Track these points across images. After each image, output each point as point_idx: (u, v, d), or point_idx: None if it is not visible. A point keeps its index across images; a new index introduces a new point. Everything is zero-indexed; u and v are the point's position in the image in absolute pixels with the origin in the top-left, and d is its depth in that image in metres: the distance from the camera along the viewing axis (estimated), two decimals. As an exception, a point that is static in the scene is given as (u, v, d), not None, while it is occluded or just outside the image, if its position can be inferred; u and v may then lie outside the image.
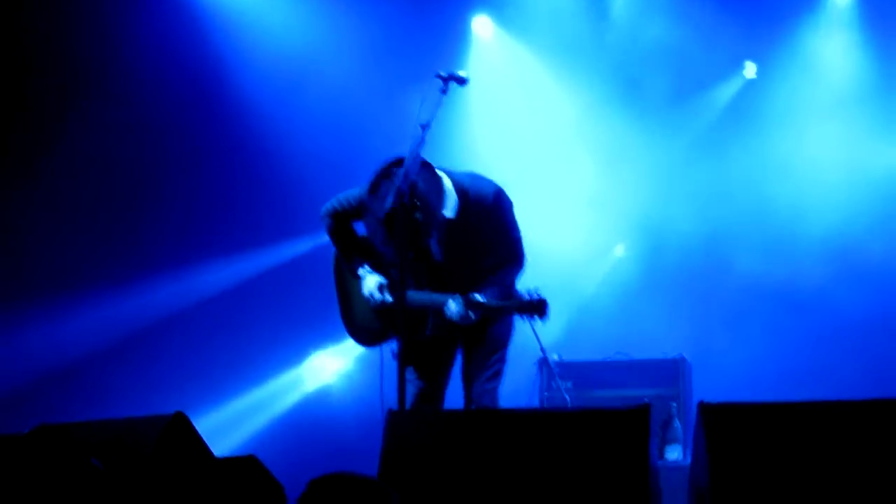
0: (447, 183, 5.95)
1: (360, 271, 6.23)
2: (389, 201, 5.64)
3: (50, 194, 9.19)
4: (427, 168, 5.87)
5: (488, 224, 6.01)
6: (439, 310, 5.91)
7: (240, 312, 9.58)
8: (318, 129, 9.04)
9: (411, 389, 6.01)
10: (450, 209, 5.95)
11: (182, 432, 4.97)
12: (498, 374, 6.20)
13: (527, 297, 5.77)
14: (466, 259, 6.04)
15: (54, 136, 9.07)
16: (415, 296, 5.84)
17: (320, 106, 9.34)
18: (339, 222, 6.30)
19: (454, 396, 6.32)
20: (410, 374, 6.12)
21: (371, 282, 6.20)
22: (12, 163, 8.97)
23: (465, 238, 6.01)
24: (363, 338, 6.40)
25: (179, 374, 9.11)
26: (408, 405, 5.58)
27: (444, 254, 6.01)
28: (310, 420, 9.54)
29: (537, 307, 5.77)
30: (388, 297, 6.14)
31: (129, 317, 9.26)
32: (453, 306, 5.84)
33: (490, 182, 6.11)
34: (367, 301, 6.23)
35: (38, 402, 8.58)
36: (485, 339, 6.15)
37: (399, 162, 5.79)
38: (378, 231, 6.04)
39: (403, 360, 5.60)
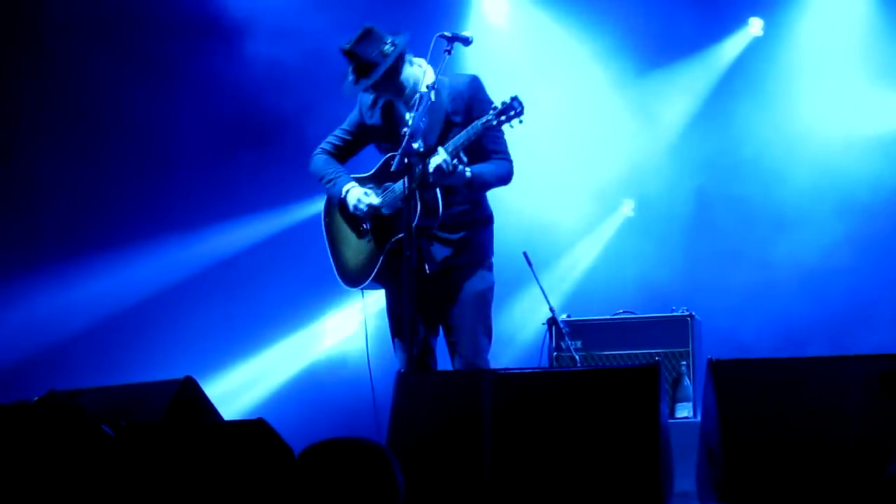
0: (427, 67, 6.06)
1: (344, 189, 6.19)
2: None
3: (61, 155, 9.19)
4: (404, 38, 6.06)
5: (467, 107, 5.98)
6: (426, 172, 5.80)
7: (251, 275, 9.56)
8: (329, 90, 8.97)
9: (401, 357, 5.96)
10: (428, 86, 5.94)
11: (192, 397, 4.99)
12: (486, 332, 6.09)
13: (500, 105, 5.74)
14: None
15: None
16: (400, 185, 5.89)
17: (326, 64, 9.22)
18: (335, 155, 6.36)
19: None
20: (397, 348, 6.11)
21: (356, 192, 6.16)
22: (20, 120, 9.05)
23: (444, 122, 5.98)
24: (356, 277, 6.28)
25: (189, 338, 9.11)
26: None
27: (426, 139, 5.92)
28: (320, 383, 9.54)
29: (512, 106, 5.72)
30: (375, 200, 6.11)
31: (140, 282, 9.26)
32: (436, 158, 5.77)
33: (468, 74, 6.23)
34: (357, 220, 6.19)
35: (48, 369, 8.60)
36: (461, 300, 6.04)
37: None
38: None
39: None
